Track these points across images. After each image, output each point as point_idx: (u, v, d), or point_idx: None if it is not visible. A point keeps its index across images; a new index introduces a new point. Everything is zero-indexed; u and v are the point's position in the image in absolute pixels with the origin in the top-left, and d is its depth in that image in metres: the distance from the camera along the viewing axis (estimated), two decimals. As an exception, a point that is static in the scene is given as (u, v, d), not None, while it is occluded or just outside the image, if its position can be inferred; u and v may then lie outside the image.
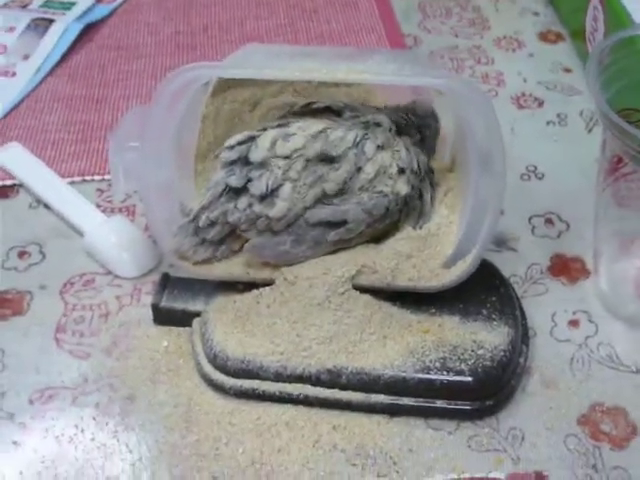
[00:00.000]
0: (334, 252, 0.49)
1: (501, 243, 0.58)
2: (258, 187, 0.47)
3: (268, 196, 0.47)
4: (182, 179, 0.51)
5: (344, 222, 0.48)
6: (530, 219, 0.60)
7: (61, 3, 0.82)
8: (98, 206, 0.61)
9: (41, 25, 0.78)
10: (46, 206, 0.61)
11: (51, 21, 0.79)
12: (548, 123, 0.69)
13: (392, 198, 0.49)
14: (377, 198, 0.48)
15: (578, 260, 0.57)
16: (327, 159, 0.47)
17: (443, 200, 0.52)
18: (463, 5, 0.83)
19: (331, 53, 0.53)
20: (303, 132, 0.48)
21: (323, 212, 0.48)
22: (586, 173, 0.63)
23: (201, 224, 0.48)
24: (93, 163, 0.65)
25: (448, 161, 0.54)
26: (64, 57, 0.76)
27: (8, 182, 0.63)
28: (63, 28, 0.78)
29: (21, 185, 0.63)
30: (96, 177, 0.64)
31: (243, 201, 0.48)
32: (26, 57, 0.75)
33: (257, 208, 0.47)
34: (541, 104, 0.71)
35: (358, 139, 0.48)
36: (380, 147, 0.48)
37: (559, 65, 0.75)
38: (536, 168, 0.64)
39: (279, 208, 0.47)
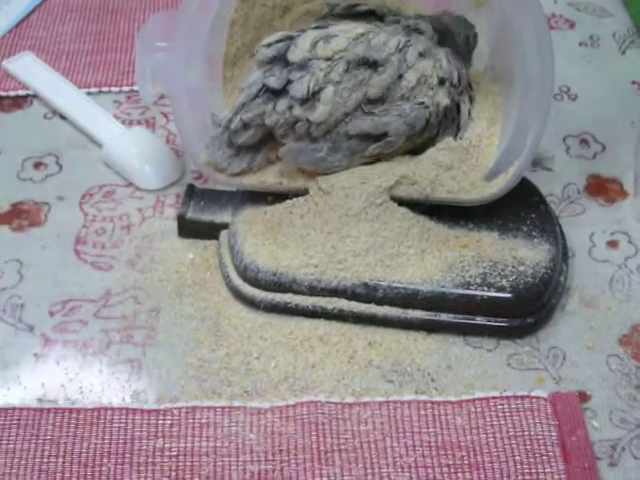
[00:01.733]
0: (370, 163, 0.47)
1: (536, 162, 0.56)
2: (299, 89, 0.45)
3: (309, 99, 0.45)
4: (210, 86, 0.49)
5: (384, 134, 0.46)
6: (565, 139, 0.58)
7: None
8: (116, 118, 0.58)
9: None
10: (62, 117, 0.59)
11: None
12: (580, 44, 0.66)
13: (433, 110, 0.47)
14: (418, 109, 0.46)
15: (615, 181, 0.55)
16: (369, 63, 0.45)
17: (483, 111, 0.49)
18: None
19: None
20: (345, 34, 0.45)
21: (364, 123, 0.46)
22: (620, 95, 0.62)
23: (233, 126, 0.46)
24: (110, 74, 0.62)
25: (482, 71, 0.52)
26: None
27: (21, 92, 0.61)
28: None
29: (35, 96, 0.60)
30: (113, 88, 0.61)
31: (282, 103, 0.45)
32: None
33: (297, 111, 0.45)
34: (572, 25, 0.68)
35: (401, 45, 0.46)
36: (422, 55, 0.46)
37: (590, -14, 0.72)
38: (569, 89, 0.62)
39: (320, 112, 0.45)
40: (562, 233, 0.50)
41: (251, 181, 0.48)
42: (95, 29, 0.66)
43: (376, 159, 0.47)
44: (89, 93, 0.61)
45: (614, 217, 0.53)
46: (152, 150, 0.55)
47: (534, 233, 0.48)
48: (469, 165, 0.47)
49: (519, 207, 0.49)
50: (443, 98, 0.47)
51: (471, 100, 0.50)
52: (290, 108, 0.45)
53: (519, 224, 0.49)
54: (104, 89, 0.61)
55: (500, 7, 0.45)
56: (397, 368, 0.45)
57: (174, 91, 0.46)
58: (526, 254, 0.47)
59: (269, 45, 0.46)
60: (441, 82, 0.47)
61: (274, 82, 0.45)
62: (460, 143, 0.48)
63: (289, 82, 0.45)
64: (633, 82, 0.62)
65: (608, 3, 0.70)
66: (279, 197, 0.49)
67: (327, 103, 0.45)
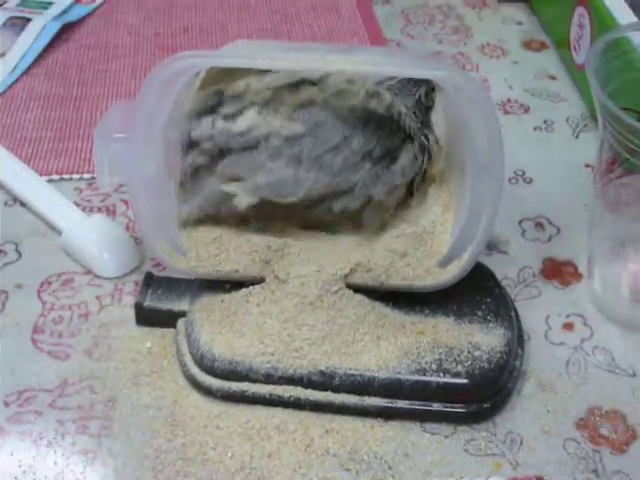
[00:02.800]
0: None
1: (492, 246, 0.57)
2: (225, 109, 0.47)
3: (231, 116, 0.47)
4: (168, 174, 0.50)
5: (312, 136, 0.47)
6: (520, 222, 0.59)
7: (39, 2, 0.80)
8: (77, 205, 0.59)
9: (18, 24, 0.77)
10: (22, 204, 0.59)
11: (28, 20, 0.77)
12: (535, 129, 0.68)
13: (363, 108, 0.47)
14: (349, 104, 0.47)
15: (570, 264, 0.56)
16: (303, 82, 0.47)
17: (438, 198, 0.50)
18: (446, 13, 0.83)
19: (324, 48, 0.51)
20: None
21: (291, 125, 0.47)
22: (574, 178, 0.63)
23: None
24: (72, 161, 0.63)
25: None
26: (41, 56, 0.74)
27: (-18, 180, 0.61)
28: (40, 27, 0.76)
29: (-4, 183, 0.61)
30: (75, 175, 0.62)
31: (207, 119, 0.47)
32: (1, 55, 0.73)
33: (219, 124, 0.47)
34: (527, 110, 0.70)
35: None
36: None
37: (544, 72, 0.74)
38: (524, 172, 0.63)
39: (239, 124, 0.47)
40: (517, 317, 0.50)
41: (207, 270, 0.48)
42: (58, 117, 0.67)
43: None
44: (50, 180, 0.61)
45: (569, 299, 0.54)
46: (111, 238, 0.55)
47: (489, 317, 0.49)
48: (423, 252, 0.48)
49: (474, 292, 0.50)
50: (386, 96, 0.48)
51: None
52: (213, 123, 0.47)
53: (474, 309, 0.49)
54: (65, 176, 0.61)
55: (451, 98, 0.46)
56: (354, 456, 0.45)
57: (131, 181, 0.47)
58: (482, 339, 0.47)
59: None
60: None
61: (207, 102, 0.48)
62: (414, 230, 0.48)
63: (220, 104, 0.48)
64: (586, 165, 0.64)
65: (562, 88, 0.72)
66: (237, 285, 0.49)
67: (249, 118, 0.47)
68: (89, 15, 0.80)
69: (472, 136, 0.45)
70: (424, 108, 0.50)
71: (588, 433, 0.46)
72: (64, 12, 0.78)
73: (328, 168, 0.47)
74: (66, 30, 0.77)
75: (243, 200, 0.48)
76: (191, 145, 0.49)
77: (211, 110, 0.48)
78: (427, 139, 0.49)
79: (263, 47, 0.52)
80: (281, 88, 0.48)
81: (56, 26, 0.76)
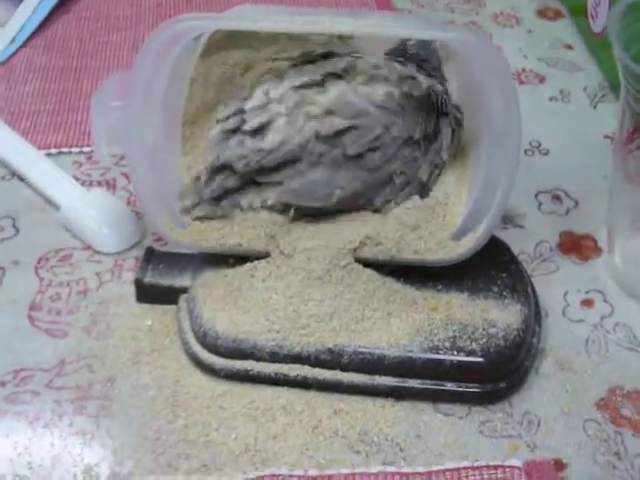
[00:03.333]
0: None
1: (507, 219, 0.54)
2: (249, 124, 0.45)
3: (259, 131, 0.45)
4: (169, 145, 0.47)
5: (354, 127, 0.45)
6: (536, 195, 0.57)
7: (38, -26, 0.78)
8: (76, 179, 0.57)
9: (16, -6, 0.74)
10: (20, 178, 0.57)
11: (27, -9, 0.74)
12: (551, 99, 0.66)
13: (400, 92, 0.45)
14: (385, 91, 0.45)
15: (589, 238, 0.54)
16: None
17: (451, 169, 0.48)
18: (458, -19, 0.80)
19: (332, 12, 0.49)
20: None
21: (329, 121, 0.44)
22: (592, 150, 0.61)
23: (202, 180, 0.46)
24: (71, 135, 0.61)
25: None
26: (40, 28, 0.72)
27: (-21, 153, 0.59)
28: (39, -2, 0.73)
29: (-8, 157, 0.59)
30: (74, 149, 0.60)
31: (234, 139, 0.45)
32: (0, 26, 0.71)
33: (249, 142, 0.45)
34: (542, 80, 0.68)
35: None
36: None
37: (559, 42, 0.72)
38: (540, 144, 0.61)
39: (271, 139, 0.44)
40: (534, 293, 0.48)
41: (211, 244, 0.46)
42: (57, 89, 0.65)
43: (372, 172, 0.46)
44: (49, 154, 0.59)
45: (588, 275, 0.52)
46: (111, 212, 0.53)
47: (505, 293, 0.46)
48: (436, 224, 0.46)
49: (489, 267, 0.48)
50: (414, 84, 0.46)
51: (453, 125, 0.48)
52: (242, 142, 0.45)
53: (489, 284, 0.47)
54: (64, 150, 0.60)
55: (466, 63, 0.43)
56: (364, 438, 0.43)
57: (130, 151, 0.45)
58: (497, 315, 0.45)
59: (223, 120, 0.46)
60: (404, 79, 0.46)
61: (230, 124, 0.45)
62: (426, 202, 0.46)
63: (244, 122, 0.45)
64: (605, 136, 0.61)
65: (579, 58, 0.70)
66: (241, 260, 0.47)
67: (278, 132, 0.44)
68: (90, -14, 0.77)
69: (487, 103, 0.43)
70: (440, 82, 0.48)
71: (609, 414, 0.44)
72: (64, -17, 0.76)
73: (367, 165, 0.45)
74: (66, 2, 0.75)
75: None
76: (218, 169, 0.46)
77: (236, 130, 0.46)
78: (459, 111, 0.47)
79: (268, 11, 0.50)
80: (304, 87, 0.45)
81: (56, -3, 0.73)
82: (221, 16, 0.45)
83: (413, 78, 0.46)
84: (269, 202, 0.46)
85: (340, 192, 0.45)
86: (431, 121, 0.46)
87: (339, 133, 0.45)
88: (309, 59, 0.47)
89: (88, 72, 0.67)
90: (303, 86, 0.45)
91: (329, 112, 0.45)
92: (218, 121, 0.47)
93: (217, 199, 0.46)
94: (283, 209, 0.46)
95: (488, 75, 0.42)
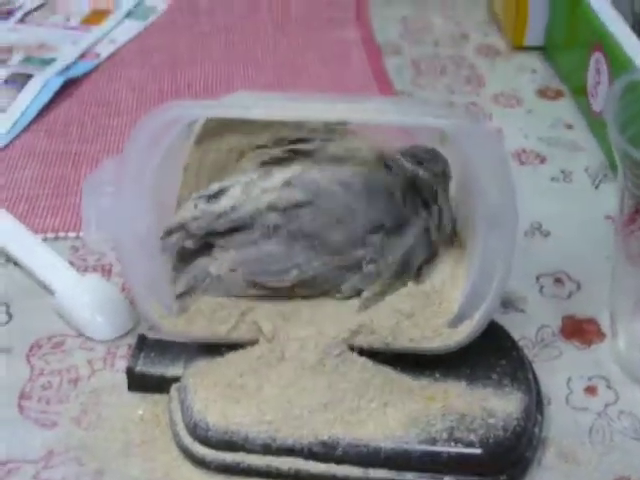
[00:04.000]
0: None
1: (507, 303, 0.53)
2: (208, 190, 0.46)
3: (215, 196, 0.45)
4: (161, 230, 0.47)
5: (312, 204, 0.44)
6: (538, 278, 0.56)
7: (41, 59, 0.79)
8: (72, 264, 0.56)
9: (19, 80, 0.75)
10: (16, 264, 0.57)
11: (29, 76, 0.75)
12: (552, 179, 0.65)
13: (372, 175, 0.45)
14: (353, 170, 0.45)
15: (592, 321, 0.53)
16: None
17: (447, 254, 0.47)
18: (458, 62, 0.81)
19: (326, 98, 0.49)
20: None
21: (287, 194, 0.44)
22: (594, 230, 0.60)
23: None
24: (69, 219, 0.61)
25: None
26: (42, 112, 0.72)
27: (-25, 239, 0.59)
28: (42, 83, 0.74)
29: (-11, 242, 0.58)
30: (71, 234, 0.59)
31: (191, 202, 0.45)
32: (2, 111, 0.71)
33: (202, 205, 0.45)
34: (543, 160, 0.67)
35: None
36: None
37: (560, 121, 0.72)
38: (541, 225, 0.60)
39: (223, 204, 0.44)
40: (536, 380, 0.47)
41: (202, 332, 0.45)
42: (56, 173, 0.65)
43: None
44: (46, 238, 0.59)
45: (591, 360, 0.50)
46: (105, 299, 0.52)
47: (505, 381, 0.45)
48: (431, 312, 0.45)
49: (488, 353, 0.47)
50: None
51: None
52: (196, 206, 0.45)
53: (489, 372, 0.46)
54: (61, 234, 0.59)
55: (460, 145, 0.43)
56: (359, 535, 0.41)
57: (119, 239, 0.44)
58: (497, 405, 0.44)
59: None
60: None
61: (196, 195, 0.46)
62: (422, 288, 0.45)
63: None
64: (607, 217, 0.61)
65: (580, 137, 0.70)
66: (233, 348, 0.46)
67: (232, 197, 0.45)
68: (92, 71, 0.78)
69: (482, 186, 0.43)
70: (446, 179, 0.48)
71: (615, 507, 0.42)
72: (67, 68, 0.77)
73: (327, 246, 0.45)
74: (68, 86, 0.75)
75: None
76: (173, 230, 0.46)
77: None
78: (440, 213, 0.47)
79: (262, 98, 0.50)
80: (270, 163, 0.45)
81: (58, 82, 0.74)
82: (213, 104, 0.45)
83: (394, 160, 0.46)
84: (225, 268, 0.45)
85: (297, 272, 0.45)
86: (416, 210, 0.46)
87: (296, 207, 0.44)
88: (282, 145, 0.47)
89: (88, 156, 0.67)
90: (269, 162, 0.45)
91: (287, 184, 0.44)
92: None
93: (181, 260, 0.46)
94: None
95: (481, 158, 0.42)
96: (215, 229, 0.45)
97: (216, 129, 0.50)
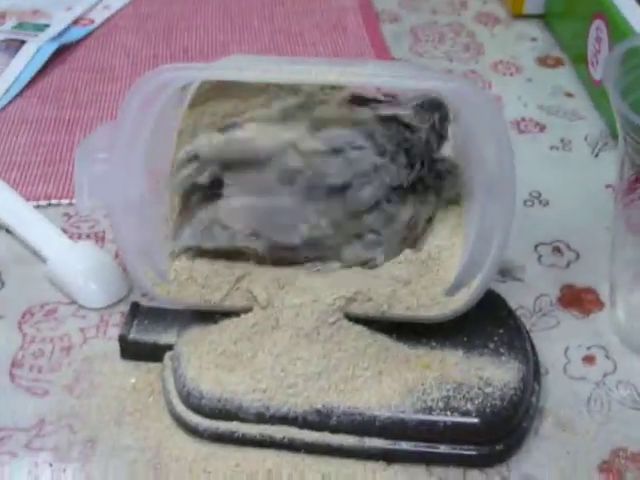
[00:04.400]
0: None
1: (505, 272, 0.53)
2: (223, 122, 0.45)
3: (229, 128, 0.44)
4: (154, 197, 0.46)
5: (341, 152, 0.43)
6: (536, 247, 0.55)
7: (35, 25, 0.78)
8: (65, 231, 0.56)
9: (12, 45, 0.74)
10: (8, 231, 0.56)
11: (23, 42, 0.74)
12: (551, 148, 0.64)
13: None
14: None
15: (591, 291, 0.52)
16: None
17: (445, 220, 0.46)
18: (457, 30, 0.79)
19: (322, 61, 0.48)
20: None
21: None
22: (594, 200, 0.59)
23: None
24: (61, 186, 0.60)
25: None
26: (35, 79, 0.71)
27: (-34, 205, 0.58)
28: (35, 49, 0.73)
29: (-20, 209, 0.58)
30: (63, 201, 0.59)
31: (203, 134, 0.45)
32: (-6, 78, 0.70)
33: (215, 137, 0.44)
34: (543, 129, 0.66)
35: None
36: None
37: (560, 89, 0.71)
38: (540, 194, 0.60)
39: (240, 133, 0.44)
40: (533, 349, 0.46)
41: (194, 300, 0.45)
42: (49, 140, 0.64)
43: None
44: (38, 206, 0.58)
45: (590, 330, 0.50)
46: (98, 266, 0.52)
47: (502, 350, 0.45)
48: (428, 279, 0.44)
49: (486, 322, 0.46)
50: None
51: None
52: (210, 137, 0.45)
53: (486, 341, 0.45)
54: (54, 201, 0.58)
55: (458, 110, 0.42)
56: (354, 503, 0.41)
57: (112, 205, 0.43)
58: (493, 374, 0.43)
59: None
60: None
61: None
62: (418, 255, 0.45)
63: None
64: (607, 186, 0.60)
65: (580, 106, 0.69)
66: (227, 316, 0.45)
67: (249, 129, 0.44)
68: (86, 37, 0.77)
69: (481, 152, 0.42)
70: (438, 137, 0.47)
71: (612, 477, 0.42)
72: (60, 34, 0.76)
73: (345, 206, 0.44)
74: (62, 52, 0.74)
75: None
76: (186, 162, 0.45)
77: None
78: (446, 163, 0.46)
79: (257, 60, 0.49)
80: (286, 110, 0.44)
81: (51, 48, 0.73)
82: (206, 66, 0.44)
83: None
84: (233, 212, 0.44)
85: (306, 231, 0.44)
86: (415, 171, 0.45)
87: (323, 154, 0.43)
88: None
89: (81, 123, 0.66)
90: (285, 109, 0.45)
91: (315, 129, 0.43)
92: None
93: (187, 207, 0.45)
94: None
95: (481, 123, 0.41)
96: (230, 158, 0.44)
97: (210, 93, 0.48)
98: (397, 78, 0.41)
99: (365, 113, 0.44)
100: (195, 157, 0.45)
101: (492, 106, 0.41)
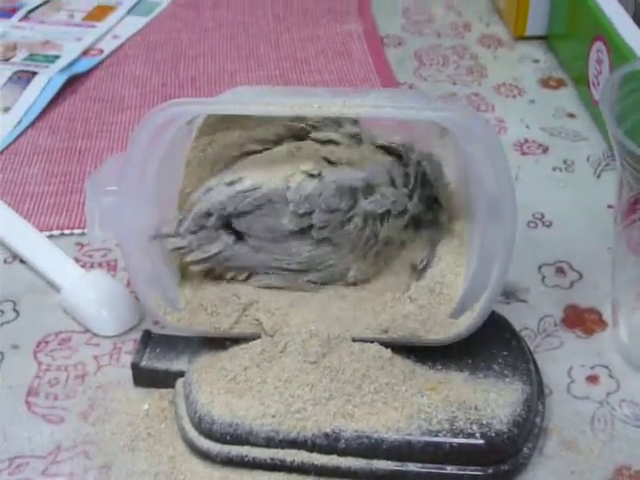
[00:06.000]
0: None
1: (509, 294, 0.54)
2: (228, 177, 0.46)
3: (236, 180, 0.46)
4: (165, 228, 0.47)
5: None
6: (540, 268, 0.56)
7: (45, 56, 0.79)
8: (78, 261, 0.57)
9: (24, 77, 0.76)
10: (22, 261, 0.57)
11: (34, 73, 0.76)
12: (554, 169, 0.65)
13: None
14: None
15: (594, 311, 0.53)
16: None
17: (447, 245, 0.47)
18: (460, 53, 0.81)
19: (326, 91, 0.49)
20: None
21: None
22: (597, 220, 0.60)
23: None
24: (73, 216, 0.61)
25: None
26: (46, 110, 0.72)
27: (-18, 237, 0.59)
28: (46, 80, 0.75)
29: (-5, 240, 0.59)
30: (76, 231, 0.60)
31: (214, 190, 0.46)
32: (7, 110, 0.72)
33: (225, 190, 0.46)
34: (545, 150, 0.67)
35: None
36: None
37: (562, 111, 0.72)
38: (543, 216, 0.60)
39: (244, 183, 0.45)
40: (537, 370, 0.47)
41: (204, 327, 0.46)
42: (61, 170, 0.66)
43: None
44: (51, 236, 0.59)
45: (593, 350, 0.50)
46: (110, 294, 0.53)
47: (506, 372, 0.46)
48: (433, 303, 0.45)
49: (490, 344, 0.47)
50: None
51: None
52: (220, 192, 0.46)
53: (490, 363, 0.46)
54: (66, 231, 0.60)
55: (457, 137, 0.43)
56: (363, 525, 0.42)
57: (123, 236, 0.45)
58: (498, 395, 0.44)
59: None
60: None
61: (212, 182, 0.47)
62: (422, 282, 0.46)
63: None
64: (609, 206, 0.61)
65: (582, 126, 0.70)
66: (237, 342, 0.46)
67: (252, 178, 0.45)
68: (96, 67, 0.78)
69: (479, 177, 0.43)
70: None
71: (616, 496, 0.43)
72: (70, 65, 0.77)
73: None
74: (72, 83, 0.76)
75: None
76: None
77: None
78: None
79: (261, 92, 0.50)
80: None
81: (62, 79, 0.75)
82: (212, 100, 0.46)
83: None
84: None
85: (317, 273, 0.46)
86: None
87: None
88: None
89: (92, 153, 0.67)
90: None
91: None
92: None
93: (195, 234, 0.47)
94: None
95: (478, 149, 0.42)
96: (241, 210, 0.45)
97: (217, 124, 0.50)
98: (397, 109, 0.42)
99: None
100: (208, 214, 0.46)
101: (487, 130, 0.42)
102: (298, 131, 0.48)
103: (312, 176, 0.45)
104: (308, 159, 0.45)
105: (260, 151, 0.48)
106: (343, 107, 0.42)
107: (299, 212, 0.45)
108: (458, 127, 0.41)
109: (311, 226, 0.45)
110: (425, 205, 0.47)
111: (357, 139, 0.47)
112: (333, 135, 0.46)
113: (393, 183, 0.46)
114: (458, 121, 0.41)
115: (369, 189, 0.45)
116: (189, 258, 0.46)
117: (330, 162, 0.46)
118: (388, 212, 0.46)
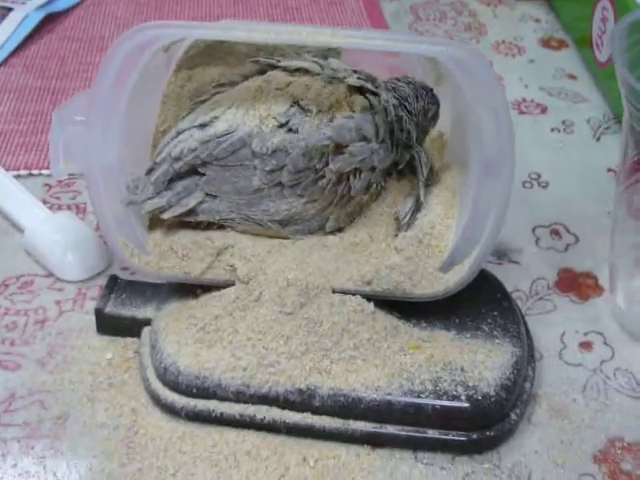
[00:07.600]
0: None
1: (501, 254, 0.51)
2: (199, 119, 0.43)
3: (208, 123, 0.42)
4: (135, 163, 0.44)
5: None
6: (534, 230, 0.53)
7: (23, -8, 0.75)
8: (45, 202, 0.54)
9: (-1, 13, 0.72)
10: (-15, 201, 0.54)
11: (9, 9, 0.72)
12: (552, 130, 0.62)
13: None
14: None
15: (590, 276, 0.50)
16: None
17: (438, 196, 0.44)
18: (458, 9, 0.77)
19: (313, 27, 0.46)
20: None
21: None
22: (595, 183, 0.57)
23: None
24: (43, 156, 0.58)
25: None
26: (21, 47, 0.69)
27: (-56, 174, 0.56)
28: (22, 17, 0.71)
29: (-42, 178, 0.55)
30: (44, 171, 0.57)
31: (185, 134, 0.42)
32: (-21, 45, 0.68)
33: (197, 134, 0.42)
34: (544, 110, 0.64)
35: None
36: None
37: (563, 72, 0.69)
38: (540, 176, 0.57)
39: (218, 127, 0.42)
40: (528, 333, 0.44)
41: (174, 272, 0.43)
42: (33, 110, 0.62)
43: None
44: (18, 175, 0.56)
45: (588, 315, 0.48)
46: (77, 238, 0.50)
47: (496, 333, 0.43)
48: (421, 255, 0.42)
49: (479, 303, 0.44)
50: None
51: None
52: (191, 135, 0.42)
53: (479, 323, 0.43)
54: (34, 172, 0.56)
55: (459, 87, 0.40)
56: (335, 489, 0.39)
57: (89, 169, 0.41)
58: (486, 357, 0.41)
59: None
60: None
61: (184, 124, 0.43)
62: (410, 233, 0.43)
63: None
64: (608, 170, 0.58)
65: (583, 88, 0.67)
66: (208, 290, 0.43)
67: (227, 120, 0.42)
68: (75, 6, 0.75)
69: (478, 125, 0.40)
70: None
71: (607, 468, 0.40)
72: (49, 2, 0.73)
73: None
74: (50, 21, 0.72)
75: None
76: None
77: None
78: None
79: (247, 23, 0.47)
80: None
81: (38, 16, 0.71)
82: (192, 24, 0.42)
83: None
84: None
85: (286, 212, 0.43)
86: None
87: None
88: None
89: (67, 93, 0.64)
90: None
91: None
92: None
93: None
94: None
95: (479, 93, 0.39)
96: (215, 156, 0.42)
97: (198, 58, 0.47)
98: (391, 41, 0.39)
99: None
100: (177, 158, 0.43)
101: (489, 70, 0.39)
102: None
103: (281, 126, 0.41)
104: (277, 98, 0.42)
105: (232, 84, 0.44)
106: (332, 36, 0.38)
107: (266, 169, 0.41)
108: (457, 65, 0.38)
109: (282, 184, 0.42)
110: (403, 149, 0.44)
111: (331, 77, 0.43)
112: (304, 63, 0.43)
113: (364, 138, 0.42)
114: (456, 57, 0.38)
115: (338, 148, 0.42)
116: (167, 215, 0.43)
117: (300, 107, 0.42)
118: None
